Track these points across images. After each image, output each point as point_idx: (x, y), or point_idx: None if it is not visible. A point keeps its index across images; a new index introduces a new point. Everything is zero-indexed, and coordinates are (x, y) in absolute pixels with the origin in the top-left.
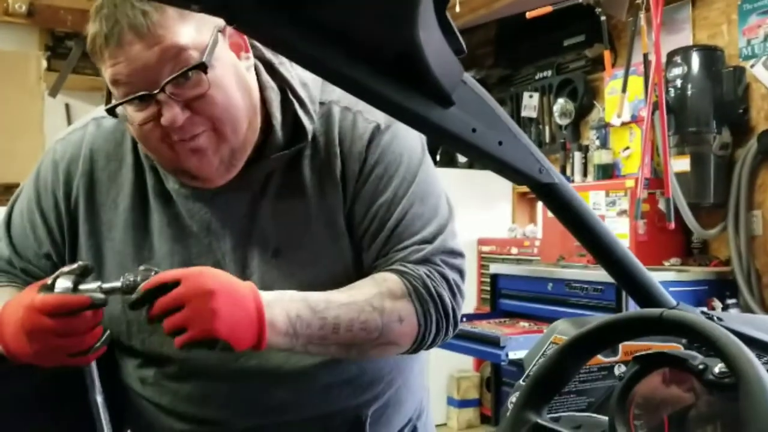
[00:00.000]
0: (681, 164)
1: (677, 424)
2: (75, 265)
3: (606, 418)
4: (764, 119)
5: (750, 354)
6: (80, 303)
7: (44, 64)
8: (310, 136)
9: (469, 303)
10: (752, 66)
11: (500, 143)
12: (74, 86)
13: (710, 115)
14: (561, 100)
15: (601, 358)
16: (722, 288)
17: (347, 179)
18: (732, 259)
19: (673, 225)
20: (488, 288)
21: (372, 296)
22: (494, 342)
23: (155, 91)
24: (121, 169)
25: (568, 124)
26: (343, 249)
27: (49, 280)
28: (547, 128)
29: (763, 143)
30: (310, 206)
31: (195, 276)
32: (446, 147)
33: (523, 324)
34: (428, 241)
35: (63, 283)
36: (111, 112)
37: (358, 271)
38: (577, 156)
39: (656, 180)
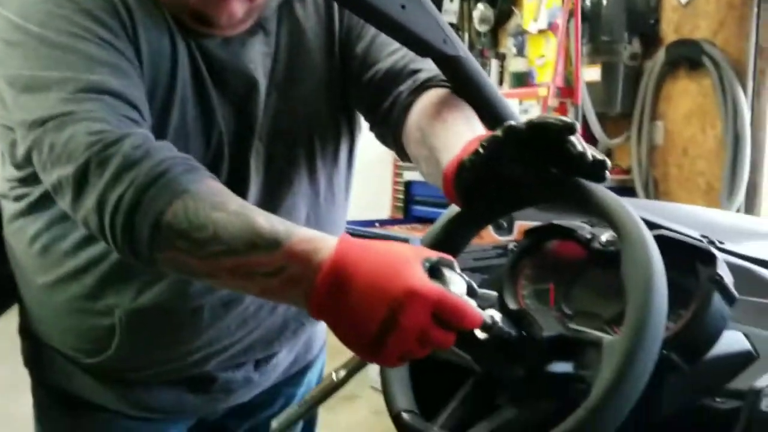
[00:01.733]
0: (592, 73)
1: (563, 291)
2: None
3: (496, 293)
4: (673, 31)
5: (636, 216)
6: (475, 322)
7: None
8: None
9: (383, 209)
10: None
11: (403, 7)
12: None
13: (623, 25)
14: (481, 6)
15: (497, 237)
16: (621, 194)
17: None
18: (632, 168)
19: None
20: (402, 196)
21: None
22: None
23: None
24: None
25: (487, 31)
26: (337, 78)
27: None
28: (466, 35)
29: (671, 55)
30: (309, 36)
31: None
32: (341, 11)
33: None
34: None
35: (460, 283)
36: None
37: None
38: (494, 64)
39: (568, 89)
